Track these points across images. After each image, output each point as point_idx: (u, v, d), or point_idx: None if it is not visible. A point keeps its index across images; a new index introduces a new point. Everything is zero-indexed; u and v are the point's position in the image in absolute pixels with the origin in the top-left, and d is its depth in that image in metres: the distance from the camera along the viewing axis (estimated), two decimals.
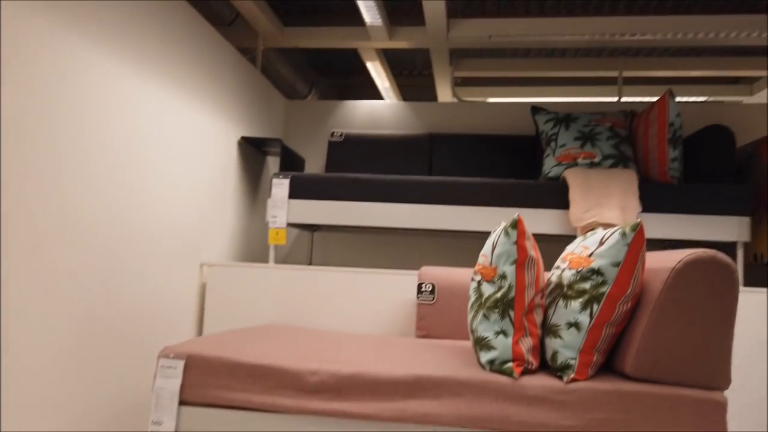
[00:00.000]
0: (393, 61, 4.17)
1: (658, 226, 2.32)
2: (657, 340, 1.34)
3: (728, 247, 2.52)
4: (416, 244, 3.26)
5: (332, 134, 3.23)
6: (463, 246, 3.21)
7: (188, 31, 2.27)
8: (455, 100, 4.04)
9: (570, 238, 2.57)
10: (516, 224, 1.43)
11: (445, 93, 3.95)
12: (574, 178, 2.32)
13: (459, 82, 4.30)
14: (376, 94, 4.76)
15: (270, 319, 2.36)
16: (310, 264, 3.36)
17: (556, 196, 2.37)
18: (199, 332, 2.42)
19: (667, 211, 2.33)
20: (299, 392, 1.41)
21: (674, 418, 1.31)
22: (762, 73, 3.35)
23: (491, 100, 4.31)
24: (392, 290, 2.28)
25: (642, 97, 4.03)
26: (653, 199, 2.33)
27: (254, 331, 1.93)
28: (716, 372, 1.34)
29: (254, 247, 3.11)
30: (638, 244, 1.36)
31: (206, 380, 1.45)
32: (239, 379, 1.45)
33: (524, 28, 3.02)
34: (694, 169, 2.44)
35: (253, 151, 3.04)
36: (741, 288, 2.11)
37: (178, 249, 2.25)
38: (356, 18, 3.43)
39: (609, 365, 1.48)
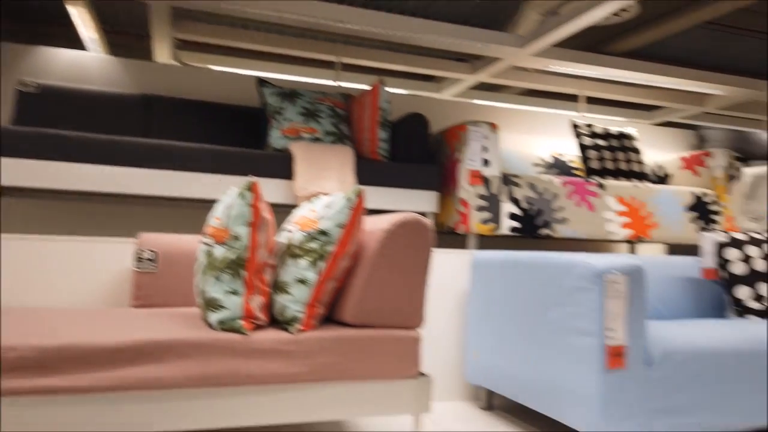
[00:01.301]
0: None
1: (370, 197, 2.60)
2: (371, 291, 1.52)
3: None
4: (129, 213, 3.00)
5: (22, 83, 2.74)
6: (184, 215, 3.08)
7: None
8: (176, 63, 3.81)
9: (291, 207, 2.70)
10: (251, 187, 1.45)
11: (163, 54, 3.69)
12: (299, 151, 2.43)
13: (180, 46, 4.06)
14: (63, 45, 4.17)
15: None
16: None
17: (281, 167, 2.46)
18: None
19: (376, 185, 2.63)
20: None
21: (383, 354, 1.52)
22: (451, 74, 3.99)
23: (215, 67, 4.18)
24: (100, 260, 2.07)
25: (356, 83, 4.41)
26: (365, 173, 2.60)
27: None
28: (414, 314, 1.59)
29: None
30: (359, 207, 1.52)
31: None
32: None
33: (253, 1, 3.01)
34: (398, 150, 2.80)
35: None
36: (451, 250, 2.52)
37: None
38: None
39: (330, 317, 1.63)
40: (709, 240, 2.43)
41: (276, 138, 2.59)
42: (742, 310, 2.30)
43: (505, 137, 3.79)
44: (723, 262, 2.39)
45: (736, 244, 2.40)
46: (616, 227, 2.92)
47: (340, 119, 2.72)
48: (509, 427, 2.13)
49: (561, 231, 2.83)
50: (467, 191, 2.67)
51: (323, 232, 1.50)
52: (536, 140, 3.87)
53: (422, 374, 1.59)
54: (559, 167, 3.48)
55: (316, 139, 2.60)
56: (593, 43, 4.01)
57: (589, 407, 1.68)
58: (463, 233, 2.74)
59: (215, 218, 1.53)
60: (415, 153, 2.76)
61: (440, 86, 4.45)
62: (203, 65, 4.16)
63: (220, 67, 4.22)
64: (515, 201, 2.75)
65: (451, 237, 3.43)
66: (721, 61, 4.32)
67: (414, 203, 2.69)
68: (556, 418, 1.82)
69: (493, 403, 2.40)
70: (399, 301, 1.56)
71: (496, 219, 2.70)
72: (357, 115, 2.75)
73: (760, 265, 2.35)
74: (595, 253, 3.53)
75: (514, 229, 2.73)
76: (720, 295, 2.53)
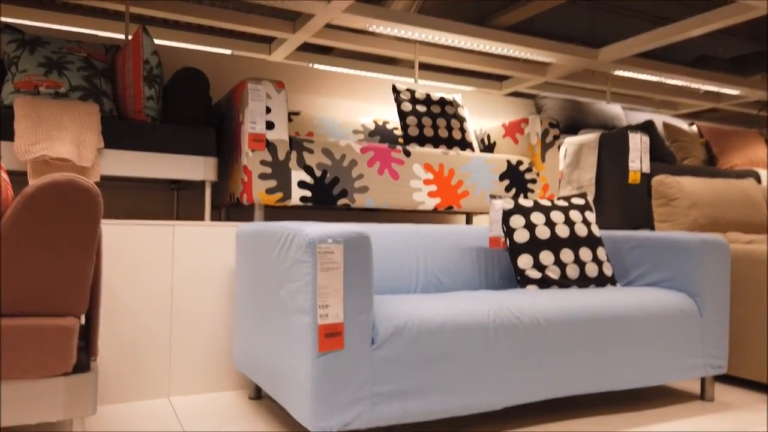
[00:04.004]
0: None
1: (129, 163, 2.26)
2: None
3: (200, 186, 2.66)
4: None
5: None
6: None
7: None
8: None
9: (21, 174, 2.29)
10: None
11: None
12: (21, 108, 2.04)
13: None
14: None
15: None
16: None
17: (8, 127, 2.06)
18: None
19: (139, 149, 2.29)
20: None
21: (14, 348, 1.21)
22: (270, 32, 3.67)
23: None
24: None
25: (162, 40, 3.98)
26: (125, 135, 2.25)
27: None
28: (69, 299, 1.29)
29: None
30: None
31: None
32: None
33: None
34: (172, 110, 2.46)
35: None
36: (220, 222, 2.23)
37: None
38: None
39: None
40: (495, 207, 2.30)
41: (8, 92, 2.18)
42: (523, 280, 2.20)
43: (338, 104, 3.54)
44: (510, 231, 2.27)
45: (522, 211, 2.29)
46: (424, 196, 2.76)
47: (97, 72, 2.33)
48: (265, 418, 1.90)
49: (361, 201, 2.62)
50: (249, 157, 2.39)
51: None
52: (373, 108, 3.65)
53: (82, 369, 1.31)
54: (381, 134, 3.28)
55: (59, 95, 2.21)
56: (478, 16, 3.86)
57: (303, 397, 1.47)
58: (248, 204, 2.47)
59: None
60: (190, 114, 2.43)
61: (269, 47, 4.13)
62: None
63: None
64: (307, 168, 2.50)
65: (242, 209, 3.14)
66: (602, 37, 4.33)
67: (187, 171, 2.38)
68: (287, 409, 1.60)
69: (262, 392, 2.17)
70: (43, 283, 1.25)
71: (283, 188, 2.44)
72: (120, 69, 2.38)
73: (543, 233, 2.25)
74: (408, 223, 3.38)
75: (305, 199, 2.49)
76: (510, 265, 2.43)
